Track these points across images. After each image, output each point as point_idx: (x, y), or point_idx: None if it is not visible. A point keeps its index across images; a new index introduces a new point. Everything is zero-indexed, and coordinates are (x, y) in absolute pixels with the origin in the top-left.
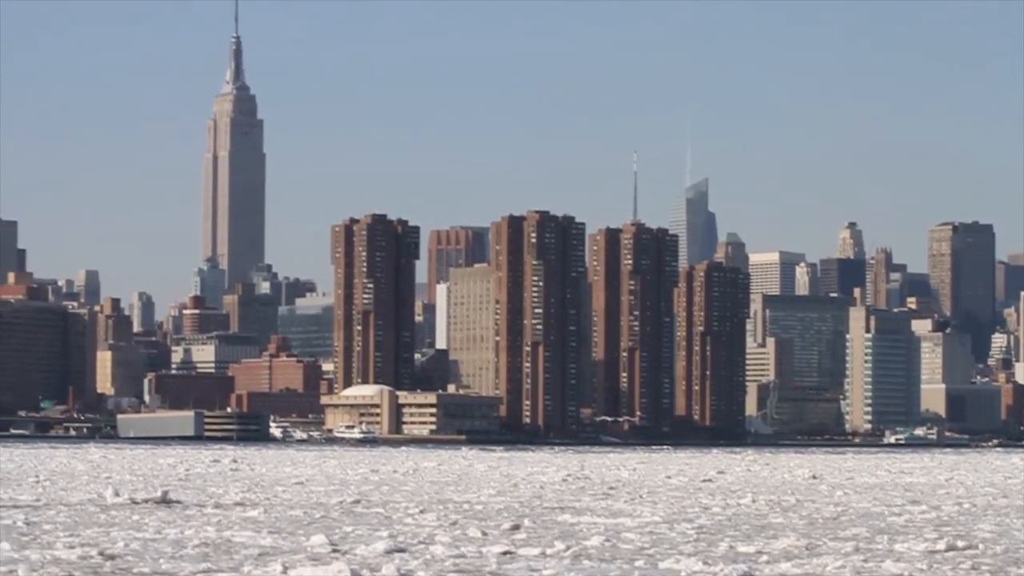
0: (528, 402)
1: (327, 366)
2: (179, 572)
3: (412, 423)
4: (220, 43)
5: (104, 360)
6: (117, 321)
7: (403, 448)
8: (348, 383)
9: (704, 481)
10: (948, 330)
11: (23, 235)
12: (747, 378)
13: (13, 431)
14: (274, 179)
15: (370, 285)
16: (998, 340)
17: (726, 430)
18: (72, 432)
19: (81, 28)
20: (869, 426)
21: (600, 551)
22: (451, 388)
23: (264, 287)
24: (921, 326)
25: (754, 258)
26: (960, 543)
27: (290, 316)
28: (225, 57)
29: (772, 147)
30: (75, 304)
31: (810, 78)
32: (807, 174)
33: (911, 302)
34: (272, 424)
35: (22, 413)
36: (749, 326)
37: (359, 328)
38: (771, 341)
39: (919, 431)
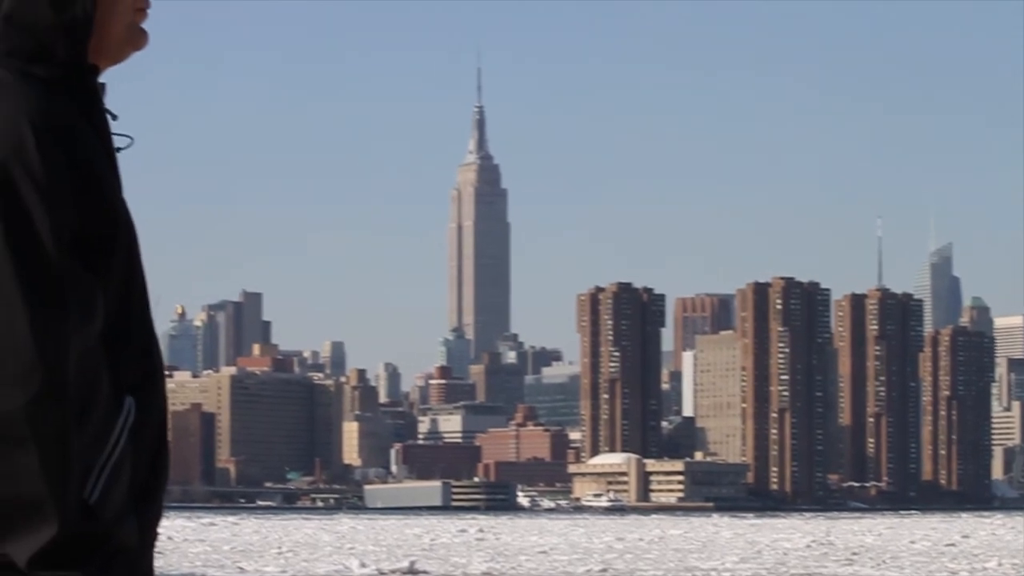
0: (775, 468)
1: (574, 435)
2: None
3: (659, 491)
4: (463, 113)
5: (351, 431)
6: (363, 392)
7: (652, 516)
8: (595, 451)
9: (948, 545)
10: None
11: (268, 307)
12: (993, 442)
13: (260, 503)
14: (518, 248)
15: (616, 353)
16: None
17: (972, 494)
18: (319, 503)
19: (323, 102)
20: None
21: None
22: (698, 455)
23: (510, 356)
24: None
25: (999, 322)
26: None
27: (536, 385)
28: (468, 127)
29: (1016, 211)
30: (321, 375)
31: None
32: None
33: None
34: (520, 493)
35: (269, 484)
36: (994, 390)
37: (606, 396)
38: (1016, 404)
39: None
